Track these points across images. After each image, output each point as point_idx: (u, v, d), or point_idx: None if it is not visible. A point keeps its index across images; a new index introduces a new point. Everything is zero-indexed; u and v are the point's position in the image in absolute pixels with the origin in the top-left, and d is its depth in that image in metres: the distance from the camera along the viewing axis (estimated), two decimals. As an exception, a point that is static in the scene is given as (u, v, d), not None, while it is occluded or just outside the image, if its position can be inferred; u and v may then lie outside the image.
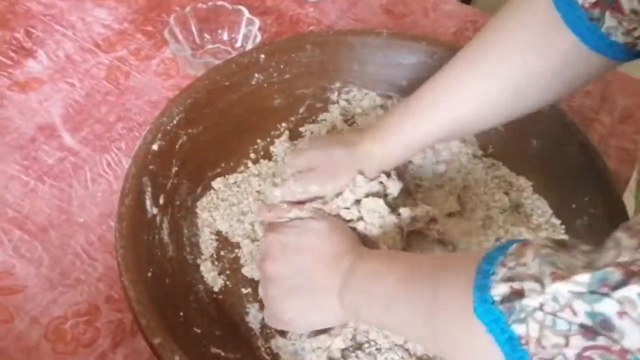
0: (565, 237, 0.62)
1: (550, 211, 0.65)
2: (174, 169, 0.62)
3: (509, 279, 0.34)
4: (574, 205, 0.62)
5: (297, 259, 0.54)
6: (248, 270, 0.62)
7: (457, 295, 0.39)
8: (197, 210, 0.65)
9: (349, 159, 0.59)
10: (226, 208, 0.66)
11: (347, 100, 0.74)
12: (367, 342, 0.56)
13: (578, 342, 0.30)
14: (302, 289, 0.54)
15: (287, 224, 0.57)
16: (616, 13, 0.45)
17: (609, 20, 0.45)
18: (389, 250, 0.57)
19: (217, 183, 0.67)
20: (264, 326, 0.59)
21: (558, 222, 0.63)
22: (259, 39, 0.79)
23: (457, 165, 0.68)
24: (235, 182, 0.68)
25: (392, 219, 0.58)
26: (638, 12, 0.44)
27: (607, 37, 0.46)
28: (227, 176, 0.68)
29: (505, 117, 0.56)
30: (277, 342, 0.58)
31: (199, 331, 0.55)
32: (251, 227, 0.64)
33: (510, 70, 0.51)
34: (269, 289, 0.55)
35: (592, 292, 0.30)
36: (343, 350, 0.56)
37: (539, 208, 0.65)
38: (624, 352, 0.29)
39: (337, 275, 0.52)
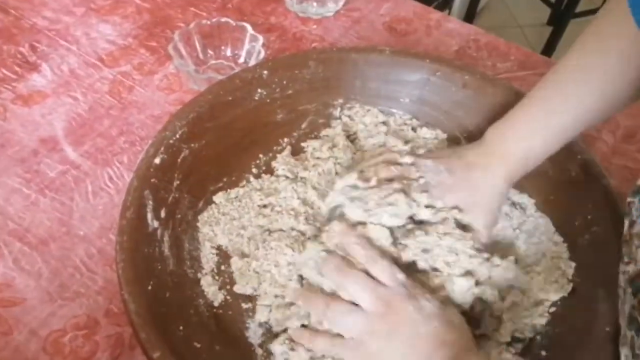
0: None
1: (553, 229, 0.64)
2: (176, 183, 0.62)
3: None
4: (577, 223, 0.61)
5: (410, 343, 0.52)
6: (239, 287, 0.61)
7: None
8: (198, 224, 0.65)
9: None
10: (227, 222, 0.65)
11: (349, 117, 0.74)
12: None
13: None
14: None
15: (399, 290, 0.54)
16: None
17: None
18: None
19: (218, 197, 0.67)
20: (263, 342, 0.58)
21: (561, 239, 0.63)
22: (262, 55, 0.79)
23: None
24: (237, 197, 0.68)
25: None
26: None
27: None
28: (228, 190, 0.68)
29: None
30: (277, 359, 0.57)
31: (198, 345, 0.55)
32: (247, 242, 0.64)
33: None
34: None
35: None
36: None
37: (542, 225, 0.65)
38: None
39: None
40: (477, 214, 0.59)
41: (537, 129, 0.58)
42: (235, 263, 0.62)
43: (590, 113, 0.57)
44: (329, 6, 0.91)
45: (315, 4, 0.90)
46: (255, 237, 0.64)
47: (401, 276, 0.54)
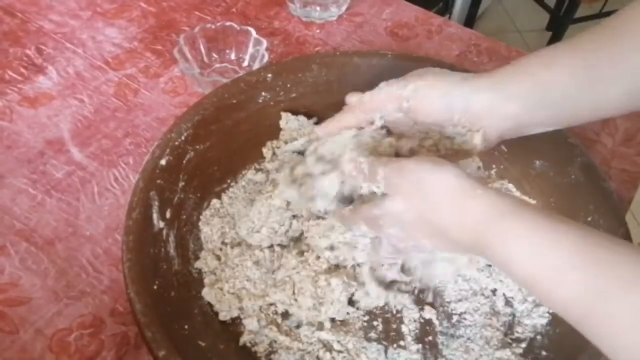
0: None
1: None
2: (181, 184, 0.63)
3: None
4: (576, 225, 0.62)
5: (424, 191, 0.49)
6: (224, 315, 0.60)
7: None
8: (200, 224, 0.66)
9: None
10: (222, 224, 0.66)
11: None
12: None
13: None
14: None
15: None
16: None
17: None
18: None
19: (222, 198, 0.68)
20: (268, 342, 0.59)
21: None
22: (266, 58, 0.80)
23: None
24: (231, 198, 0.68)
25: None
26: None
27: None
28: (227, 192, 0.69)
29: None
30: (280, 357, 0.58)
31: (203, 344, 0.56)
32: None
33: None
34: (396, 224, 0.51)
35: None
36: None
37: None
38: None
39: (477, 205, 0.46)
40: None
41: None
42: (208, 294, 0.61)
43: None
44: (331, 11, 0.92)
45: (318, 8, 0.91)
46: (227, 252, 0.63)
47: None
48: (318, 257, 0.60)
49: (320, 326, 0.59)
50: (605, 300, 0.38)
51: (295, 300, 0.59)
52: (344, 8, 0.93)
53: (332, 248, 0.57)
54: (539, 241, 0.42)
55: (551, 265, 0.41)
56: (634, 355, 0.37)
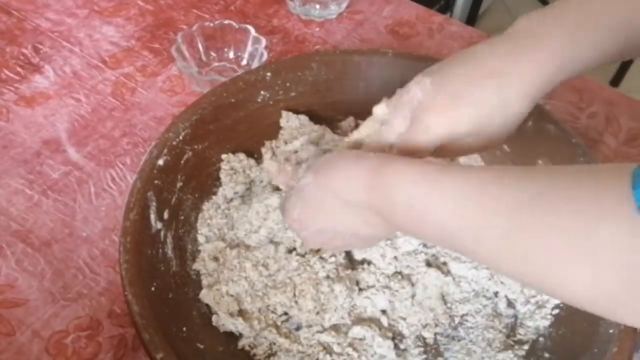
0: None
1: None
2: (179, 184, 0.62)
3: None
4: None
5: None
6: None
7: (602, 191, 0.33)
8: (198, 225, 0.65)
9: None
10: (219, 226, 0.65)
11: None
12: None
13: None
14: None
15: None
16: None
17: None
18: None
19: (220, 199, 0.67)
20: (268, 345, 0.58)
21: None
22: (265, 57, 0.79)
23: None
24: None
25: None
26: None
27: None
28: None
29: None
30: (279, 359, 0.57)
31: (201, 347, 0.55)
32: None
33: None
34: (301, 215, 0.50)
35: None
36: None
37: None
38: None
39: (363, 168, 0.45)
40: None
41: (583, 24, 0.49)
42: (206, 296, 0.60)
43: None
44: (331, 8, 0.91)
45: (317, 6, 0.90)
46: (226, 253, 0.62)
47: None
48: (320, 258, 0.60)
49: (321, 328, 0.58)
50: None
51: (296, 302, 0.58)
52: (344, 6, 0.92)
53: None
54: (424, 180, 0.41)
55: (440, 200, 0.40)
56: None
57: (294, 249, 0.62)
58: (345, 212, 0.47)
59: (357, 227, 0.48)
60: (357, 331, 0.57)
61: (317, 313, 0.57)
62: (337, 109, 0.73)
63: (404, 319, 0.59)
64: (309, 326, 0.58)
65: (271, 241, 0.62)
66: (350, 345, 0.57)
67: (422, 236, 0.45)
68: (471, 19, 2.17)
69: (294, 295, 0.58)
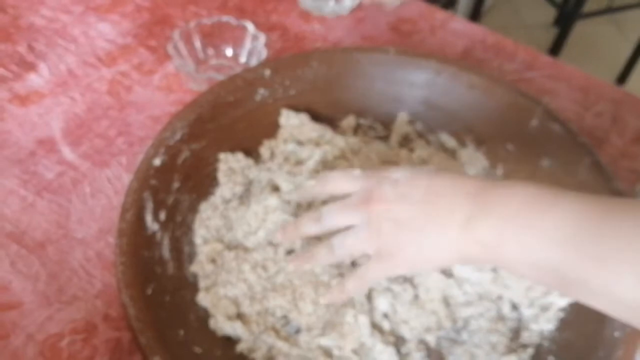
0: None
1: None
2: (176, 185, 0.61)
3: None
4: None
5: (410, 191, 0.49)
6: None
7: None
8: (195, 226, 0.64)
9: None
10: (217, 227, 0.64)
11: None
12: None
13: None
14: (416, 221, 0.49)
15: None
16: None
17: None
18: None
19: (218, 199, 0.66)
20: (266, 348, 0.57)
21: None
22: (264, 54, 0.78)
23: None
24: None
25: None
26: None
27: None
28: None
29: None
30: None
31: (199, 351, 0.54)
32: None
33: None
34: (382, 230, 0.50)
35: None
36: None
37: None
38: None
39: (461, 203, 0.46)
40: None
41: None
42: (204, 299, 0.59)
43: None
44: (345, 4, 0.89)
45: (331, 3, 0.88)
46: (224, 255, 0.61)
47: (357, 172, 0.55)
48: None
49: (321, 332, 0.57)
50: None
51: (295, 305, 0.57)
52: (357, 1, 0.90)
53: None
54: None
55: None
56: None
57: (294, 250, 0.61)
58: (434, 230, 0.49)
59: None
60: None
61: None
62: (337, 107, 0.72)
63: (406, 322, 0.58)
64: (309, 330, 0.57)
65: (270, 243, 0.60)
66: (351, 349, 0.56)
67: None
68: (475, 16, 2.15)
69: (294, 298, 0.57)
